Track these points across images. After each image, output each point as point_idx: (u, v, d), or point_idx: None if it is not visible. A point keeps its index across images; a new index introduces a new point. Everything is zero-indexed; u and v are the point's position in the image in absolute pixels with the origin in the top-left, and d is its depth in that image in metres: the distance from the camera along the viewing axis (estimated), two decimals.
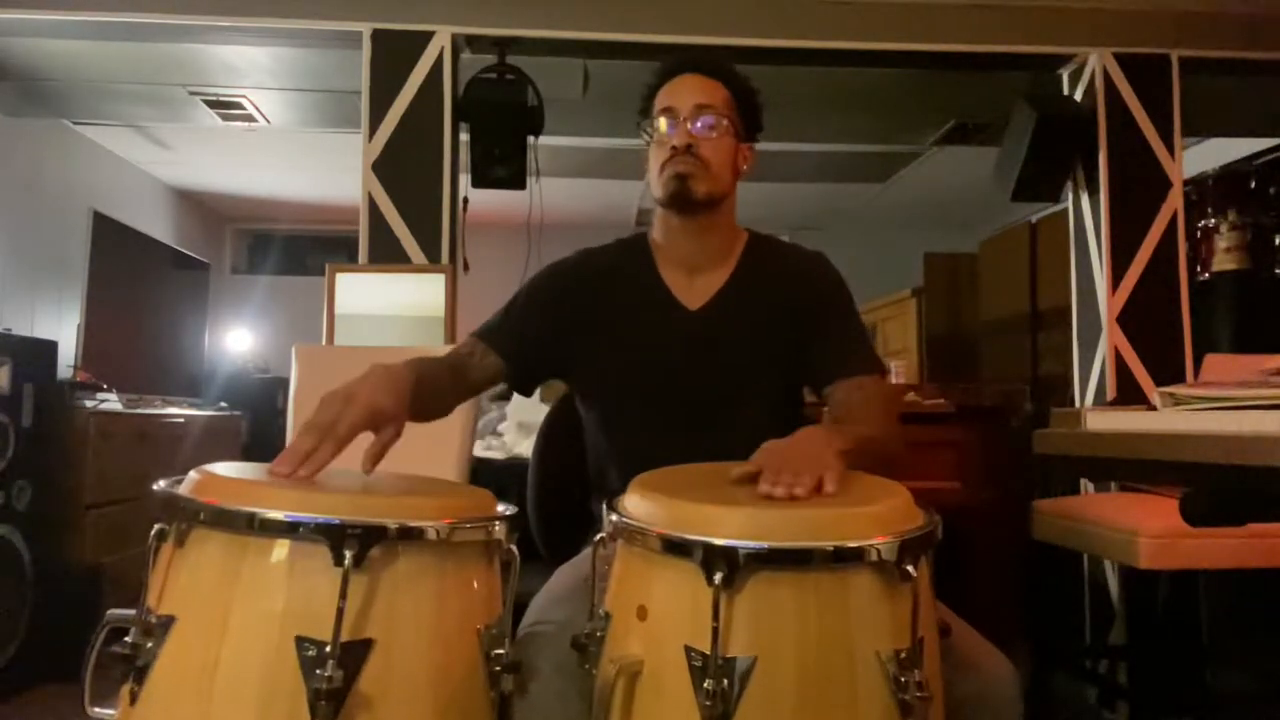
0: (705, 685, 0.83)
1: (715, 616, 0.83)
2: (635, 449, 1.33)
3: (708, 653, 0.83)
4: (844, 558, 0.86)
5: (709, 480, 1.04)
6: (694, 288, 1.42)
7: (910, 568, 0.86)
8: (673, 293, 1.42)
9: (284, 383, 2.10)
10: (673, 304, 1.42)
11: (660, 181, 1.38)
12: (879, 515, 0.92)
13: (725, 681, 0.83)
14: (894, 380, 3.11)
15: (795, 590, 0.86)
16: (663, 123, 1.38)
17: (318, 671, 0.83)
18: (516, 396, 2.99)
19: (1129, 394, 2.89)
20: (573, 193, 5.21)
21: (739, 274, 1.43)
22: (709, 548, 0.85)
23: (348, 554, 0.85)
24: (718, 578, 0.84)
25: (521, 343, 1.41)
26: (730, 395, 1.38)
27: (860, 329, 1.45)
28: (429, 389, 1.24)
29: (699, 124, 1.36)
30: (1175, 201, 3.02)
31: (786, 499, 0.94)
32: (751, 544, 0.85)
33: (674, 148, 1.35)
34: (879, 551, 0.86)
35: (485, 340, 1.40)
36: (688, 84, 1.39)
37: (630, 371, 1.40)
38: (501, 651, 0.97)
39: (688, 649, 0.85)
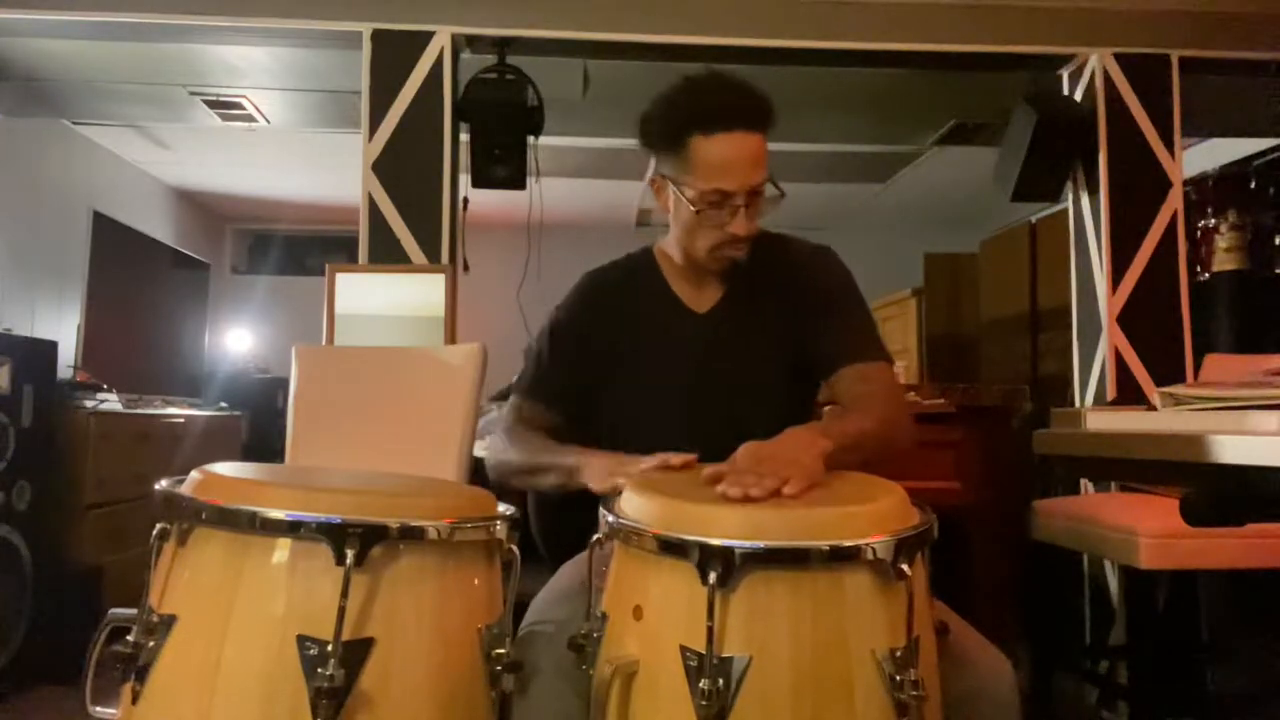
0: (701, 685, 0.83)
1: (710, 616, 0.84)
2: (644, 452, 1.33)
3: (703, 652, 0.84)
4: (839, 557, 0.87)
5: (706, 480, 1.04)
6: (701, 292, 1.43)
7: (905, 566, 0.87)
8: (680, 299, 1.44)
9: (284, 383, 2.10)
10: (681, 310, 1.43)
11: (706, 256, 1.36)
12: (874, 514, 0.92)
13: (721, 681, 0.83)
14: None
15: (791, 589, 0.86)
16: (717, 205, 1.29)
17: (319, 670, 0.84)
18: None
19: (1129, 394, 2.89)
20: (573, 193, 5.20)
21: (745, 274, 1.43)
22: (704, 547, 0.86)
23: (349, 553, 0.86)
24: (713, 577, 0.84)
25: (564, 390, 1.44)
26: (740, 396, 1.38)
27: (866, 317, 1.45)
28: None
29: (754, 201, 1.29)
30: (1175, 201, 3.02)
31: (741, 500, 0.94)
32: (747, 544, 0.86)
33: (734, 235, 1.31)
34: (874, 550, 0.87)
35: (531, 399, 1.45)
36: (741, 153, 1.27)
37: (642, 378, 1.41)
38: (502, 651, 0.98)
39: (683, 649, 0.86)
